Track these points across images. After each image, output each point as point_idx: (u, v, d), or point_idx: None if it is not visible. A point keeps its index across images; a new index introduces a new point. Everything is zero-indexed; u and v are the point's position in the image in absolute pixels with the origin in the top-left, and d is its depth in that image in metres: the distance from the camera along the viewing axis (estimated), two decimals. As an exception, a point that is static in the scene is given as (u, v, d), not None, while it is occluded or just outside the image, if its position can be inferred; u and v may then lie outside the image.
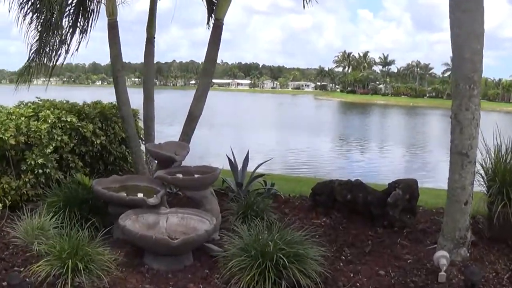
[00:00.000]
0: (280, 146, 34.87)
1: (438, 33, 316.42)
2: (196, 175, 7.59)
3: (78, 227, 6.19)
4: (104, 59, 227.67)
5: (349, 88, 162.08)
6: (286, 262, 5.69)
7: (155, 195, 7.18)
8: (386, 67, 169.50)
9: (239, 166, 10.13)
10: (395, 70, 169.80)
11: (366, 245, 7.56)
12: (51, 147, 8.89)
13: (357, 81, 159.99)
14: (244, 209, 8.11)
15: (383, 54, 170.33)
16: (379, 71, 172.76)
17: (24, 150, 8.78)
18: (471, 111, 6.41)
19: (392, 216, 8.13)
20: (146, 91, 10.25)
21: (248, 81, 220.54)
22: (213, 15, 10.47)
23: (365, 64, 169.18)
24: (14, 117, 8.80)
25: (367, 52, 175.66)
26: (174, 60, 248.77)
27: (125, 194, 7.32)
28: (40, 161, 8.63)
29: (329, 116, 74.47)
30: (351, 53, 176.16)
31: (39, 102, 10.16)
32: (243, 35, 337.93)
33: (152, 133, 10.12)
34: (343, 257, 7.06)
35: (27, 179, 8.66)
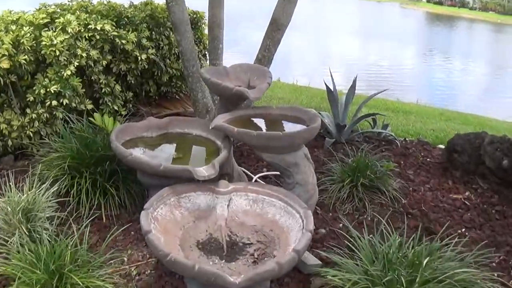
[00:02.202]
0: (364, 60, 31.36)
1: None
2: (282, 129, 4.64)
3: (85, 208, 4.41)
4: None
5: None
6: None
7: (211, 163, 4.21)
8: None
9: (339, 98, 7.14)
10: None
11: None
12: (73, 67, 6.13)
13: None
14: (352, 175, 5.30)
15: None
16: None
17: (36, 72, 6.15)
18: None
19: None
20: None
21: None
22: None
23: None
24: (14, 27, 6.02)
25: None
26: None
27: (159, 161, 4.25)
28: (54, 88, 5.89)
29: (415, 28, 69.89)
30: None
31: (66, 3, 7.42)
32: None
33: (219, 47, 6.99)
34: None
35: (34, 115, 5.99)
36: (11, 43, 5.71)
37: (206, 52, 8.13)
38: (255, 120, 4.71)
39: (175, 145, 4.85)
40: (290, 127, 4.60)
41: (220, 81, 4.53)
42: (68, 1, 7.50)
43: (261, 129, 4.58)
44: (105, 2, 7.69)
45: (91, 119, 5.57)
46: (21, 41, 5.80)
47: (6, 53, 5.57)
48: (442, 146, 7.40)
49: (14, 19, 6.30)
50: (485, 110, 16.42)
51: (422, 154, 6.91)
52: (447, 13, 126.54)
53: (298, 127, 4.47)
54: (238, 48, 28.30)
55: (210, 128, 4.37)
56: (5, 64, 5.53)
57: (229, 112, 4.60)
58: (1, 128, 5.81)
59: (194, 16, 8.39)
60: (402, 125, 8.92)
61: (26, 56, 5.81)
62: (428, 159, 6.73)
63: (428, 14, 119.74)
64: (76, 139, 5.15)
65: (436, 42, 48.32)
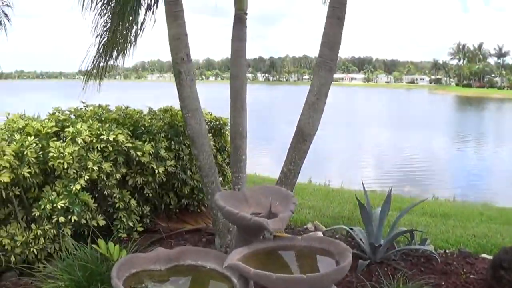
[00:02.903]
0: (397, 152, 30.83)
1: None
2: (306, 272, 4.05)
3: None
4: (219, 54, 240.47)
5: (464, 82, 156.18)
6: None
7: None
8: (501, 58, 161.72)
9: (373, 212, 6.54)
10: (510, 62, 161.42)
11: None
12: (83, 181, 5.71)
13: (472, 74, 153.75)
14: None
15: (497, 45, 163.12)
16: (493, 63, 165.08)
17: (44, 183, 5.78)
18: None
19: None
20: (234, 92, 6.65)
21: (362, 76, 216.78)
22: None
23: (480, 56, 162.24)
24: (18, 136, 5.64)
25: (482, 43, 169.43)
26: (287, 55, 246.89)
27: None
28: (61, 203, 5.45)
29: (445, 114, 69.63)
30: (465, 44, 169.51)
31: (81, 108, 7.22)
32: (356, 28, 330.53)
33: (242, 158, 6.49)
34: None
35: (39, 231, 5.53)
36: (14, 154, 5.31)
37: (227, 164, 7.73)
38: (278, 253, 4.14)
39: (185, 280, 4.29)
40: (317, 264, 4.02)
41: (236, 209, 4.00)
42: (84, 106, 7.20)
43: (284, 266, 4.00)
44: (123, 108, 7.38)
45: (95, 246, 5.04)
46: (25, 152, 5.41)
47: (8, 165, 5.17)
48: (485, 256, 6.77)
49: (20, 126, 5.96)
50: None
51: (464, 269, 6.22)
52: (477, 95, 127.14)
53: (326, 264, 3.88)
54: (269, 147, 28.30)
55: (224, 266, 3.82)
56: (6, 178, 5.12)
57: (247, 246, 4.05)
58: (4, 243, 5.33)
59: (217, 123, 8.01)
60: (441, 232, 8.28)
61: (30, 169, 5.41)
62: (471, 276, 6.05)
63: (457, 97, 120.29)
64: (79, 268, 4.64)
65: (467, 127, 48.09)
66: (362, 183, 7.07)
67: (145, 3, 7.71)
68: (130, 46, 8.03)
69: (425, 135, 38.99)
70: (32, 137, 5.64)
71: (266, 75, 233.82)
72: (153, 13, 7.80)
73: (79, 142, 5.85)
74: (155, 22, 7.89)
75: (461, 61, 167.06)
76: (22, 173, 5.34)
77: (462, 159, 28.21)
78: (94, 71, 8.10)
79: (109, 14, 7.68)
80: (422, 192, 17.46)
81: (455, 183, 21.21)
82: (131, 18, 7.61)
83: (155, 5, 7.74)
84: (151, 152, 6.54)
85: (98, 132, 6.12)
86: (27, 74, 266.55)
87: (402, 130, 42.41)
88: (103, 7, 7.64)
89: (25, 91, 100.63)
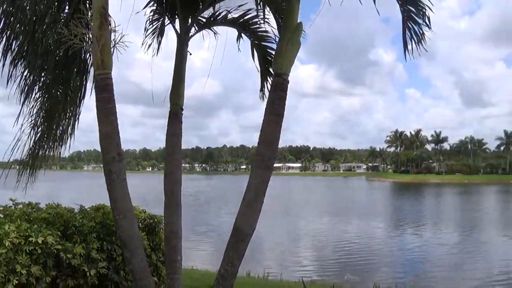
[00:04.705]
0: (337, 240, 30.80)
1: (488, 108, 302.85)
2: None
3: None
4: (156, 144, 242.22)
5: (402, 168, 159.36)
6: None
7: None
8: (439, 144, 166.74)
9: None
10: (448, 148, 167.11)
11: None
12: (11, 286, 5.47)
13: (409, 160, 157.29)
14: None
15: (435, 131, 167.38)
16: (431, 149, 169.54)
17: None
18: None
19: None
20: (168, 190, 6.49)
21: (299, 164, 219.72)
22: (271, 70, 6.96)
23: (418, 142, 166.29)
24: None
25: (420, 130, 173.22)
26: (224, 145, 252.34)
27: None
28: (-17, 314, 5.15)
29: (382, 200, 70.46)
30: (403, 132, 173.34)
31: (10, 206, 7.01)
32: (293, 118, 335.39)
33: (177, 259, 6.24)
34: None
35: None
36: None
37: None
38: None
39: None
40: None
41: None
42: (13, 204, 6.95)
43: None
44: (54, 205, 7.15)
45: None
46: None
47: None
48: None
49: None
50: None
51: None
52: (415, 181, 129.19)
53: None
54: (208, 239, 28.01)
55: None
56: None
57: None
58: None
59: (151, 221, 7.80)
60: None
61: None
62: None
63: (395, 184, 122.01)
64: None
65: (405, 213, 48.48)
66: (303, 281, 6.96)
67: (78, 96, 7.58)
68: (67, 137, 7.86)
69: (364, 222, 39.17)
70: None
71: (203, 165, 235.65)
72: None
73: (7, 244, 5.60)
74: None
75: (399, 148, 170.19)
76: None
77: (402, 245, 28.23)
78: (30, 160, 7.84)
79: (45, 106, 7.51)
80: (363, 280, 17.36)
81: (395, 270, 21.16)
82: (68, 109, 7.52)
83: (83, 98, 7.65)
84: (82, 254, 6.30)
85: (27, 234, 5.90)
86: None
87: (341, 217, 42.62)
88: (39, 99, 7.48)
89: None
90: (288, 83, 6.01)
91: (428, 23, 6.14)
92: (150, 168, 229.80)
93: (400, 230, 34.97)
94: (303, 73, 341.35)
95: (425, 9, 5.91)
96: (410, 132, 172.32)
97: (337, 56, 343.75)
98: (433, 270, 20.77)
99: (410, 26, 6.16)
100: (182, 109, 6.74)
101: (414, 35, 6.20)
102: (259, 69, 7.84)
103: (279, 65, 6.04)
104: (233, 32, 7.62)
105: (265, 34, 7.49)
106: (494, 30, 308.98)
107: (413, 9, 6.00)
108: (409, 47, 6.15)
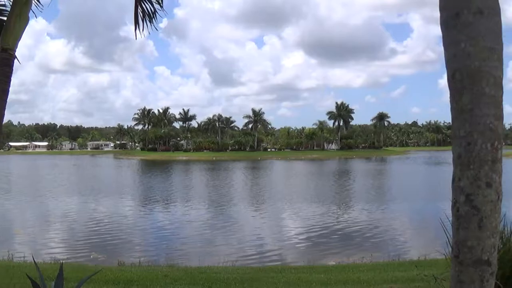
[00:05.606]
0: (82, 217, 30.38)
1: (237, 87, 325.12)
2: None
3: None
4: None
5: (150, 146, 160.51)
6: None
7: None
8: (187, 122, 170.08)
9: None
10: (196, 126, 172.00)
11: None
12: None
13: (157, 138, 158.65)
14: None
15: (183, 109, 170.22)
16: (179, 127, 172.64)
17: None
18: (494, 187, 3.34)
19: None
20: None
21: (46, 143, 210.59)
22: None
23: (166, 120, 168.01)
24: None
25: (168, 108, 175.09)
26: None
27: None
28: None
29: (131, 178, 70.49)
30: (151, 110, 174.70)
31: None
32: (40, 95, 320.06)
33: None
34: None
35: None
36: None
37: None
38: None
39: None
40: None
41: None
42: None
43: None
44: None
45: None
46: None
47: None
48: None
49: None
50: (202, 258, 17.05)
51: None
52: (163, 158, 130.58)
53: None
54: None
55: None
56: None
57: None
58: None
59: None
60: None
61: None
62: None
63: (143, 161, 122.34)
64: None
65: (154, 190, 48.99)
66: (33, 258, 6.92)
67: None
68: None
69: (114, 201, 38.87)
70: None
71: None
72: None
73: None
74: None
75: (147, 126, 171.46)
76: None
77: (153, 223, 28.34)
78: None
79: None
80: (108, 258, 17.37)
81: (142, 246, 21.36)
82: None
83: None
84: None
85: None
86: None
87: (90, 196, 41.84)
88: None
89: None
90: (15, 58, 5.99)
91: (160, 1, 6.47)
92: None
93: (149, 208, 35.47)
94: (52, 49, 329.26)
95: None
96: (158, 110, 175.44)
97: (87, 32, 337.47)
98: (184, 247, 21.20)
99: (143, 5, 6.46)
100: None
101: (146, 14, 6.50)
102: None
103: (6, 40, 5.99)
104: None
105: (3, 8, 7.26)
106: (246, 12, 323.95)
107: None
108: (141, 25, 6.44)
